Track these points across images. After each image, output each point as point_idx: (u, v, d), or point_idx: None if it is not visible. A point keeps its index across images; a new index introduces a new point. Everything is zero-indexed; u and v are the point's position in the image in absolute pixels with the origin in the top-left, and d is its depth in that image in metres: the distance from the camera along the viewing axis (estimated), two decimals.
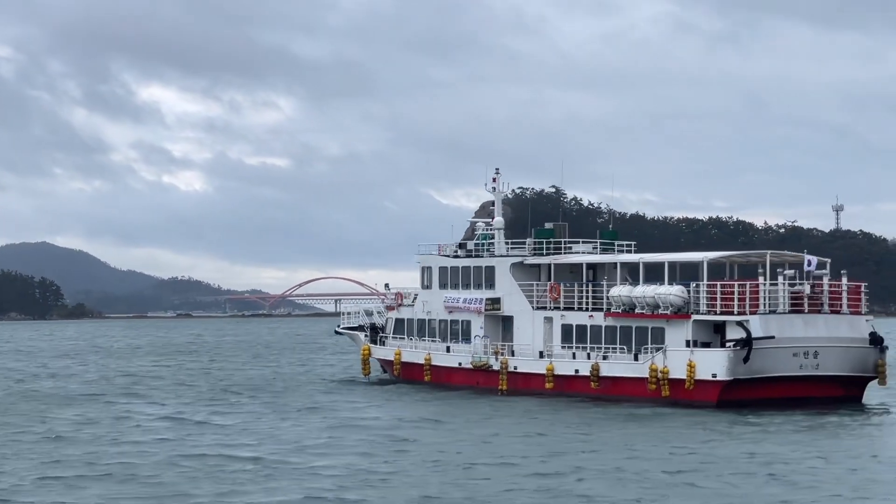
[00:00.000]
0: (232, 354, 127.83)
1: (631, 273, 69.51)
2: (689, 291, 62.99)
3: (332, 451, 45.87)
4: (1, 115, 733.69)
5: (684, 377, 61.10)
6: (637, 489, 37.31)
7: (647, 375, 62.83)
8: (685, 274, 68.27)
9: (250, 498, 35.91)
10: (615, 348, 65.65)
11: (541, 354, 69.74)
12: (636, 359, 64.26)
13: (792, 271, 63.92)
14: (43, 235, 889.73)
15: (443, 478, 39.45)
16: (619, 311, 65.91)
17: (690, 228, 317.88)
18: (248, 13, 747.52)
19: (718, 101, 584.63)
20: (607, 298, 66.87)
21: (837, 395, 61.81)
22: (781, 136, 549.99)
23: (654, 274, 67.49)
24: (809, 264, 62.67)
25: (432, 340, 77.36)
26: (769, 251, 65.30)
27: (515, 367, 70.53)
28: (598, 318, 67.15)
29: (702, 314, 62.15)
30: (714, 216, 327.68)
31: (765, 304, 61.38)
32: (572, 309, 68.97)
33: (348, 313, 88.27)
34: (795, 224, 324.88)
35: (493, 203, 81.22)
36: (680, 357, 61.63)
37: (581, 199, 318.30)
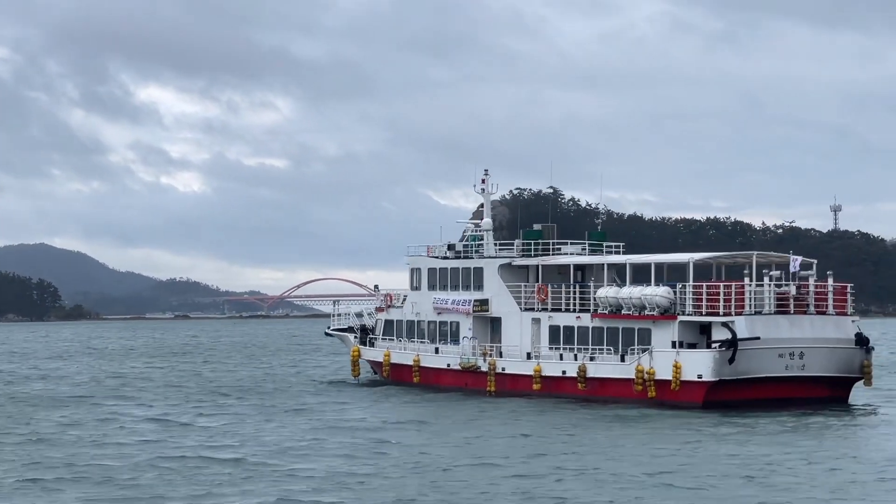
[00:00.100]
0: (225, 356, 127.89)
1: (619, 274, 69.56)
2: (675, 292, 63.04)
3: (313, 453, 45.87)
4: None
5: (670, 378, 61.14)
6: (613, 490, 37.32)
7: (634, 376, 62.86)
8: (673, 275, 68.36)
9: (225, 500, 35.89)
10: (602, 349, 65.69)
11: (528, 356, 69.79)
12: (623, 360, 64.30)
13: (778, 272, 63.98)
14: (41, 237, 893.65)
15: (421, 480, 39.44)
16: (606, 312, 65.95)
17: (688, 229, 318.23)
18: (246, 14, 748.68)
19: (717, 101, 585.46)
20: (594, 300, 66.92)
21: (823, 395, 61.85)
22: (780, 137, 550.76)
23: (642, 275, 67.53)
24: (794, 265, 62.69)
25: (421, 342, 77.39)
26: (755, 252, 65.44)
27: (503, 369, 70.58)
28: (586, 320, 67.18)
29: (688, 315, 62.18)
30: (712, 217, 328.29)
31: (750, 305, 61.41)
32: (560, 310, 69.00)
33: (338, 315, 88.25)
34: (793, 224, 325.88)
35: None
36: (666, 358, 61.66)
37: (579, 200, 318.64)
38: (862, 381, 63.19)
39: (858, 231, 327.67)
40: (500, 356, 71.23)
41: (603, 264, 69.86)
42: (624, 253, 75.83)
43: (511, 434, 51.72)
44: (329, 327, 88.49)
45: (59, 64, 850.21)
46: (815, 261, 65.22)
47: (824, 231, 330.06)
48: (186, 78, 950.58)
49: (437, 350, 75.99)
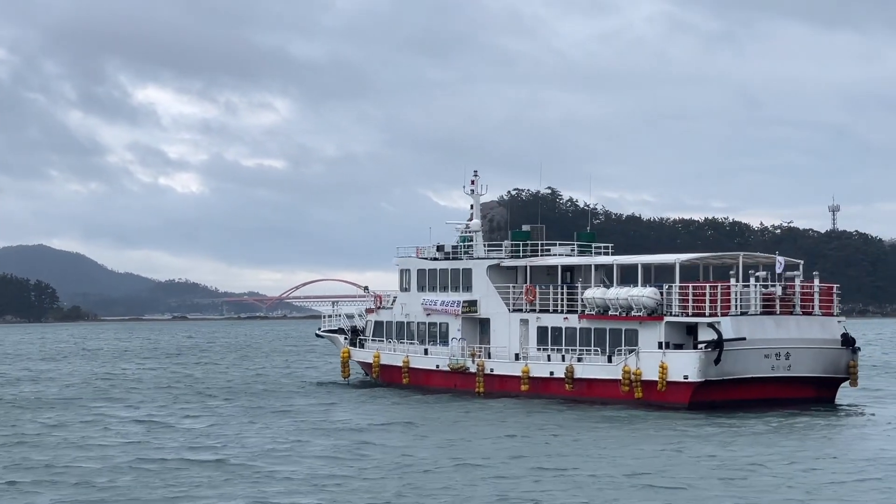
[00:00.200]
0: (219, 357, 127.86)
1: (608, 275, 69.54)
2: (662, 293, 63.03)
3: (295, 455, 45.85)
4: None
5: (657, 379, 61.12)
6: (590, 491, 37.33)
7: (621, 377, 62.85)
8: (660, 276, 68.34)
9: (200, 503, 35.86)
10: (590, 350, 65.68)
11: (517, 357, 69.79)
12: (610, 361, 64.29)
13: (764, 273, 63.99)
14: (39, 238, 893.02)
15: (399, 482, 39.41)
16: (594, 313, 65.94)
17: (686, 229, 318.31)
18: (244, 14, 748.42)
19: (716, 102, 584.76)
20: (582, 301, 66.91)
21: (809, 396, 61.90)
22: (779, 137, 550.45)
23: (631, 276, 67.53)
24: (780, 266, 62.71)
25: (411, 343, 77.39)
26: (742, 253, 65.45)
27: (492, 370, 70.59)
28: (573, 321, 67.17)
29: (674, 316, 62.16)
30: (710, 217, 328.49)
31: (736, 306, 61.39)
32: (548, 311, 69.00)
33: (329, 316, 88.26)
34: (791, 225, 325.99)
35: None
36: (652, 359, 61.66)
37: (577, 201, 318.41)
38: (848, 382, 63.21)
39: (856, 231, 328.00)
40: (489, 357, 71.22)
41: (591, 265, 69.83)
42: (613, 254, 75.81)
43: (496, 435, 51.69)
44: (320, 328, 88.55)
45: (57, 65, 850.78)
46: (802, 261, 65.28)
47: (822, 231, 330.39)
48: (184, 79, 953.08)
49: (426, 351, 75.99)
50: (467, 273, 74.40)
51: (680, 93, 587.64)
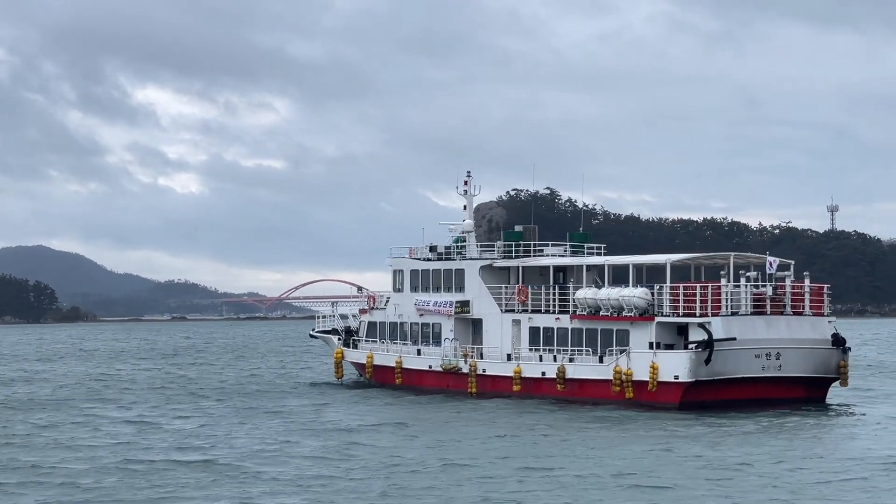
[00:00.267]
0: (215, 357, 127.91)
1: (600, 275, 69.59)
2: (653, 294, 63.06)
3: (283, 456, 45.89)
4: None
5: (647, 379, 61.16)
6: (575, 491, 37.39)
7: (612, 378, 62.89)
8: (652, 276, 68.43)
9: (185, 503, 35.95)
10: (581, 351, 65.73)
11: (509, 357, 69.85)
12: (601, 361, 64.34)
13: (755, 273, 64.04)
14: (39, 238, 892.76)
15: (385, 482, 39.47)
16: (585, 313, 65.99)
17: (685, 230, 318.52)
18: (243, 15, 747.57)
19: (715, 102, 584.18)
20: (573, 301, 66.96)
21: (800, 396, 61.96)
22: (779, 137, 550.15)
23: (623, 276, 67.59)
24: (771, 266, 62.73)
25: (404, 343, 77.45)
26: (733, 253, 65.54)
27: (484, 370, 70.66)
28: (565, 321, 67.22)
29: (665, 316, 62.20)
30: (709, 217, 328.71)
31: (727, 306, 61.43)
32: (540, 312, 69.05)
33: (323, 317, 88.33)
34: (790, 225, 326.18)
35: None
36: (643, 359, 61.69)
37: (576, 201, 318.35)
38: (839, 382, 63.25)
39: (855, 231, 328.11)
40: (481, 358, 71.28)
41: (583, 266, 69.88)
42: (609, 254, 75.87)
43: (486, 436, 51.73)
44: (314, 329, 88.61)
45: (56, 65, 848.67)
46: (793, 261, 65.30)
47: (821, 231, 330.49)
48: (184, 79, 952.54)
49: (419, 352, 76.05)
50: (460, 274, 74.46)
51: (680, 93, 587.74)
